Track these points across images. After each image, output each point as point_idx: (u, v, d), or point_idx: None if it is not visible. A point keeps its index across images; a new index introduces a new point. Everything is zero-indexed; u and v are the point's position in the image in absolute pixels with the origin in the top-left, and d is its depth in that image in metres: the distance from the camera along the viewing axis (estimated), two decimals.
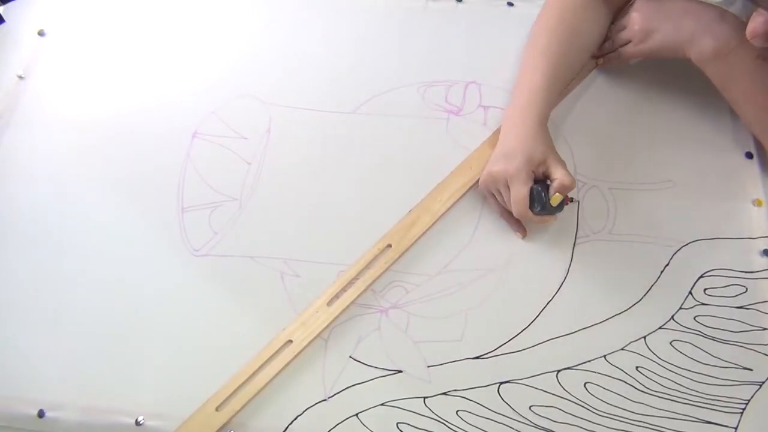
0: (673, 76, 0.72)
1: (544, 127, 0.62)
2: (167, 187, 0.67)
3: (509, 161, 0.60)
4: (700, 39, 0.60)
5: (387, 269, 0.61)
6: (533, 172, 0.59)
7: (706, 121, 0.69)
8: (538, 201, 0.59)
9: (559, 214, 0.60)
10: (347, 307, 0.60)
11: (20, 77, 0.74)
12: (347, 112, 0.71)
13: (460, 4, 0.77)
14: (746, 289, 0.60)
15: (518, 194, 0.59)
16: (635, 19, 0.64)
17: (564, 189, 0.58)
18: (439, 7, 0.77)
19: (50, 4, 0.79)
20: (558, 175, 0.58)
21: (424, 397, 0.57)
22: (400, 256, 0.62)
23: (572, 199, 0.62)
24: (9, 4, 0.78)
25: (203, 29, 0.77)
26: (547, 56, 0.64)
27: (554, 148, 0.61)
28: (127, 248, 0.64)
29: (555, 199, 0.58)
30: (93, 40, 0.76)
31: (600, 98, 0.71)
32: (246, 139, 0.69)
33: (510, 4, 0.77)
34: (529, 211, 0.59)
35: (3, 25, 0.77)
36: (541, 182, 0.60)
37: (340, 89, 0.72)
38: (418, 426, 0.56)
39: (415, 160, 0.68)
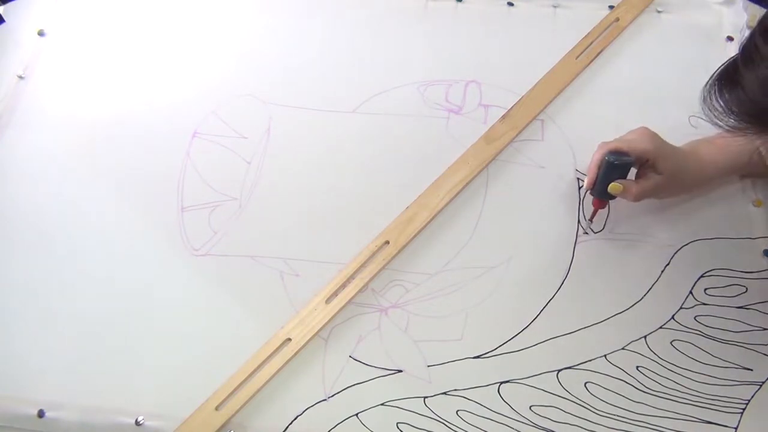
0: (674, 75, 0.72)
1: (697, 160, 0.60)
2: (167, 186, 0.67)
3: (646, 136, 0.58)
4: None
5: (385, 266, 0.61)
6: (639, 157, 0.57)
7: (706, 120, 0.68)
8: (620, 164, 0.57)
9: (561, 211, 0.60)
10: (346, 304, 0.60)
11: (20, 77, 0.74)
12: (347, 111, 0.71)
13: (460, 4, 0.77)
14: (746, 289, 0.60)
15: (597, 154, 0.58)
16: None
17: (624, 191, 0.57)
18: (439, 7, 0.77)
19: (50, 4, 0.79)
20: (633, 183, 0.57)
21: (424, 397, 0.57)
22: (398, 253, 0.62)
23: (590, 221, 0.63)
24: (9, 4, 0.78)
25: (203, 29, 0.77)
26: None
27: (660, 158, 0.57)
28: (126, 248, 0.64)
29: (611, 187, 0.57)
30: (93, 40, 0.76)
31: (601, 97, 0.71)
32: (246, 138, 0.69)
33: (510, 3, 0.77)
34: (603, 155, 0.57)
35: (3, 25, 0.77)
36: (624, 168, 0.57)
37: (340, 89, 0.72)
38: (418, 426, 0.56)
39: (415, 159, 0.68)
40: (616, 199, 0.59)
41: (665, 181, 0.57)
